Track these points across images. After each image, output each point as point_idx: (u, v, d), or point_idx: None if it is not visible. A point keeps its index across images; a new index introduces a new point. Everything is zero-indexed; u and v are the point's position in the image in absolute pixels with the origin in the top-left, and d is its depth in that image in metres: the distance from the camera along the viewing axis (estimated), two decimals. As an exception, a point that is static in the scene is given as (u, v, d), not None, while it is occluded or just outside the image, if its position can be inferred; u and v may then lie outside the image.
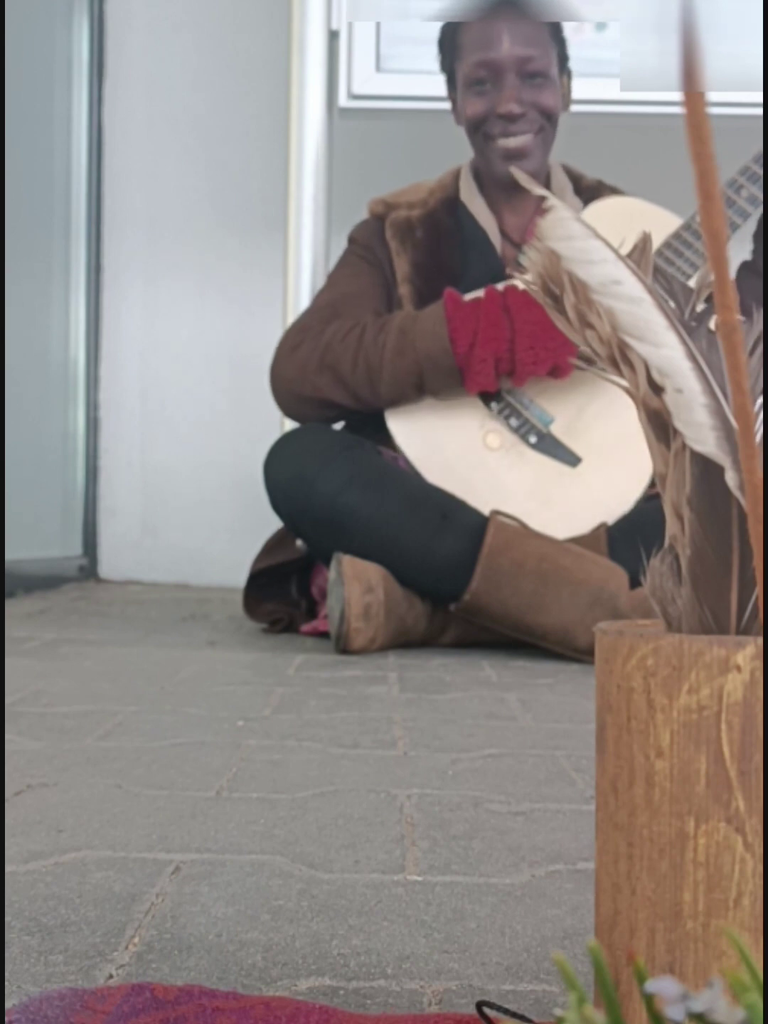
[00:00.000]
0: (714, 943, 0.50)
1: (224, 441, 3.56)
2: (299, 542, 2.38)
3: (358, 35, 2.80)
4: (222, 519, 3.54)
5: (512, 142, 2.32)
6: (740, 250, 2.42)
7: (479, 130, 2.35)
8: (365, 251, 2.45)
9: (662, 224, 2.26)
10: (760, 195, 2.23)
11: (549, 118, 2.34)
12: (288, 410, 2.41)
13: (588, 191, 2.47)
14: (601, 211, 2.34)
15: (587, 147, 2.72)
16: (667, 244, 2.22)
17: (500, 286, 2.22)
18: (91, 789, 1.10)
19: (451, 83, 2.41)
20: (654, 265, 0.54)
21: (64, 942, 0.72)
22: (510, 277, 2.29)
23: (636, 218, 2.30)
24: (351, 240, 2.51)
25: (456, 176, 2.48)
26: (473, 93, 2.33)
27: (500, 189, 2.41)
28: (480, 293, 2.23)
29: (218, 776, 1.16)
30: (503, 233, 2.43)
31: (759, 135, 2.42)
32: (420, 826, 0.99)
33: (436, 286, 2.31)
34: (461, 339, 2.17)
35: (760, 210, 2.26)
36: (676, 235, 2.23)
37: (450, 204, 2.44)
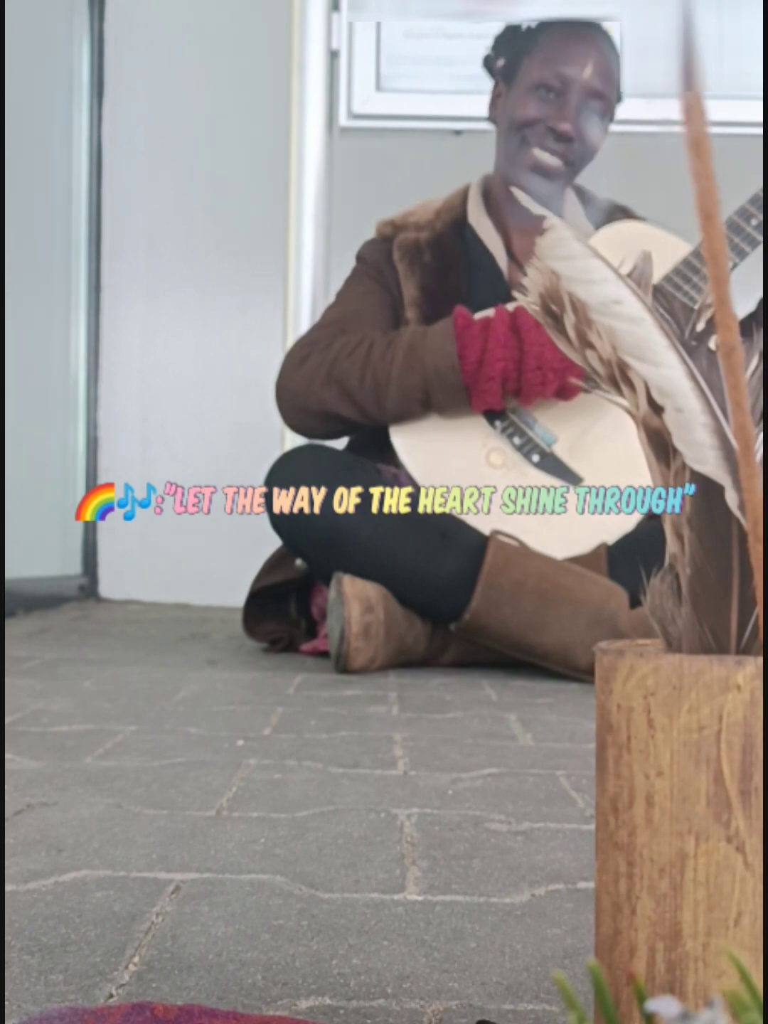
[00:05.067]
0: (714, 963, 0.50)
1: (224, 460, 3.56)
2: (298, 562, 2.38)
3: (358, 55, 2.81)
4: (222, 538, 3.54)
5: (546, 157, 2.32)
6: (750, 290, 2.41)
7: (520, 132, 2.35)
8: (373, 271, 2.45)
9: (672, 250, 2.26)
10: None
11: (587, 152, 2.35)
12: (292, 423, 2.40)
13: (599, 213, 2.48)
14: (610, 237, 2.34)
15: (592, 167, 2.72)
16: (676, 270, 2.22)
17: (510, 306, 2.23)
18: (91, 809, 1.10)
19: (505, 77, 2.40)
20: (656, 286, 0.54)
21: (64, 961, 0.72)
22: (516, 299, 2.29)
23: (644, 244, 2.30)
24: (360, 258, 2.51)
25: (463, 196, 2.48)
26: (535, 97, 2.33)
27: (510, 205, 2.41)
28: (490, 312, 2.23)
29: (218, 795, 1.16)
30: (510, 254, 2.43)
31: (758, 155, 2.42)
32: (420, 846, 0.99)
33: (443, 310, 2.31)
34: (469, 356, 2.17)
35: None
36: (685, 261, 2.22)
37: (457, 226, 2.44)
